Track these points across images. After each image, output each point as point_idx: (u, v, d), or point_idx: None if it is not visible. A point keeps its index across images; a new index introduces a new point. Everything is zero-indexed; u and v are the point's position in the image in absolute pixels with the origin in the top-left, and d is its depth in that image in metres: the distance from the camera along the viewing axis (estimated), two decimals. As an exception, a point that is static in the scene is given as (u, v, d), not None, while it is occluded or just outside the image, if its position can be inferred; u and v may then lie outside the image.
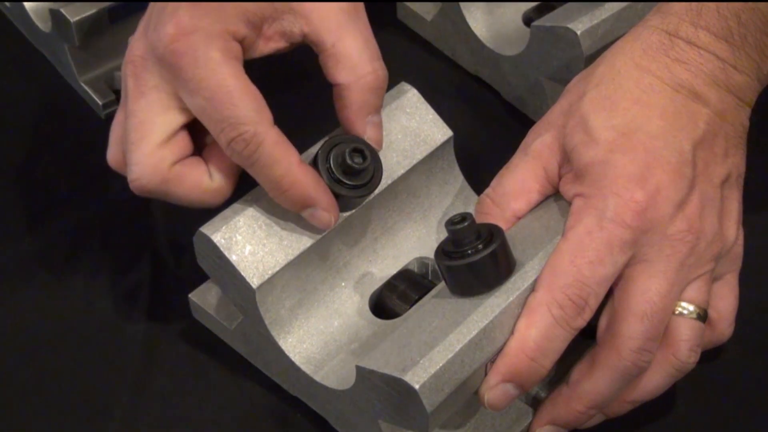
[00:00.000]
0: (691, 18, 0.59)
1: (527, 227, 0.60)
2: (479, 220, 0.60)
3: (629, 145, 0.57)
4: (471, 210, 0.63)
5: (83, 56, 0.77)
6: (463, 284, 0.56)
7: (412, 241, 0.66)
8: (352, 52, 0.59)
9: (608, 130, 0.57)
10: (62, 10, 0.74)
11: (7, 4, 0.83)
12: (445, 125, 0.65)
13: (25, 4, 0.80)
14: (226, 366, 0.66)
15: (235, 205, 0.60)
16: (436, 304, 0.58)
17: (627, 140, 0.57)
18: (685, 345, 0.58)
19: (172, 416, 0.64)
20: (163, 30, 0.56)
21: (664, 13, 0.60)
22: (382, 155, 0.62)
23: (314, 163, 0.59)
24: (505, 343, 0.56)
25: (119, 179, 0.61)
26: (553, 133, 0.60)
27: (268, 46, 0.60)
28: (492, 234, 0.56)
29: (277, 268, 0.59)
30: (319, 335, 0.62)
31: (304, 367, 0.61)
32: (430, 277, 0.65)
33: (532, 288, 0.56)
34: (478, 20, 0.80)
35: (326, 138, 0.60)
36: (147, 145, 0.58)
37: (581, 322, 0.56)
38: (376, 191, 0.61)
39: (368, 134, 0.60)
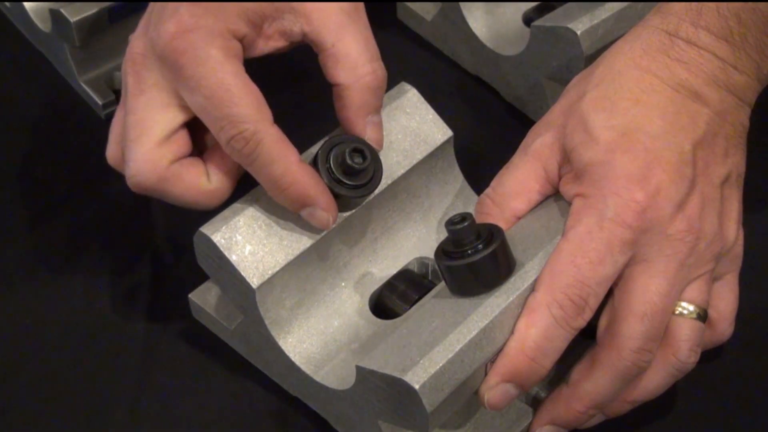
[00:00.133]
0: (691, 18, 0.59)
1: (527, 227, 0.60)
2: (479, 220, 0.60)
3: (629, 145, 0.57)
4: (471, 210, 0.63)
5: (83, 56, 0.77)
6: (463, 284, 0.56)
7: (412, 241, 0.66)
8: (351, 52, 0.59)
9: (608, 130, 0.57)
10: (62, 10, 0.74)
11: (7, 4, 0.83)
12: (445, 125, 0.65)
13: (25, 4, 0.80)
14: (226, 366, 0.66)
15: (235, 205, 0.60)
16: (436, 304, 0.58)
17: (627, 140, 0.57)
18: (685, 345, 0.58)
19: (172, 416, 0.64)
20: (164, 28, 0.56)
21: (664, 13, 0.60)
22: (382, 155, 0.62)
23: (314, 163, 0.59)
24: (505, 343, 0.56)
25: (119, 179, 0.61)
26: (553, 133, 0.60)
27: (268, 44, 0.60)
28: (492, 234, 0.56)
29: (277, 268, 0.59)
30: (319, 335, 0.62)
31: (304, 367, 0.60)
32: (430, 277, 0.65)
33: (532, 288, 0.56)
34: (478, 20, 0.80)
35: (326, 138, 0.60)
36: (145, 143, 0.58)
37: (581, 322, 0.56)
38: (376, 191, 0.61)
39: (368, 134, 0.60)
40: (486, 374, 0.56)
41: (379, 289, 0.64)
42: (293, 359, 0.61)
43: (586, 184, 0.57)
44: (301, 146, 0.61)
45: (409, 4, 0.84)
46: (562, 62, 0.72)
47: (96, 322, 0.67)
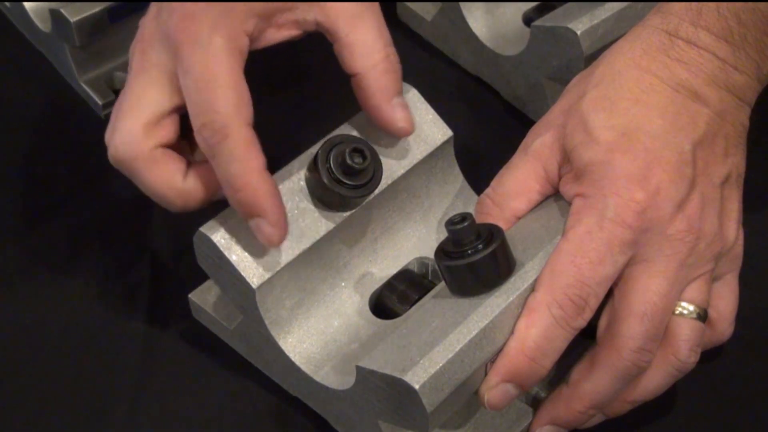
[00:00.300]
0: (691, 18, 0.59)
1: (527, 227, 0.60)
2: (479, 220, 0.60)
3: (629, 145, 0.57)
4: (471, 210, 0.63)
5: (83, 56, 0.77)
6: (463, 284, 0.56)
7: (412, 241, 0.66)
8: (365, 41, 0.59)
9: (608, 130, 0.57)
10: (62, 10, 0.74)
11: (7, 4, 0.83)
12: (445, 125, 0.65)
13: (25, 4, 0.79)
14: (226, 366, 0.66)
15: (235, 205, 0.60)
16: (436, 304, 0.58)
17: (627, 140, 0.57)
18: (685, 345, 0.58)
19: (172, 416, 0.64)
20: (175, 11, 0.57)
21: (664, 13, 0.60)
22: (382, 155, 0.62)
23: (314, 163, 0.59)
24: (505, 343, 0.56)
25: (119, 179, 0.61)
26: (553, 133, 0.60)
27: (280, 33, 0.60)
28: (492, 234, 0.56)
29: (277, 268, 0.59)
30: (319, 335, 0.62)
31: (304, 367, 0.60)
32: (430, 277, 0.65)
33: (532, 288, 0.56)
34: (478, 20, 0.80)
35: (326, 138, 0.60)
36: (135, 117, 0.58)
37: (581, 322, 0.56)
38: (376, 191, 0.61)
39: (397, 116, 0.60)
40: (486, 374, 0.56)
41: (379, 289, 0.64)
42: (293, 359, 0.61)
43: (586, 184, 0.57)
44: (301, 146, 0.61)
45: (409, 4, 0.84)
46: (562, 62, 0.72)
47: (96, 322, 0.67)
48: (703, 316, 0.59)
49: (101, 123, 0.78)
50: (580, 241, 0.56)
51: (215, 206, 0.60)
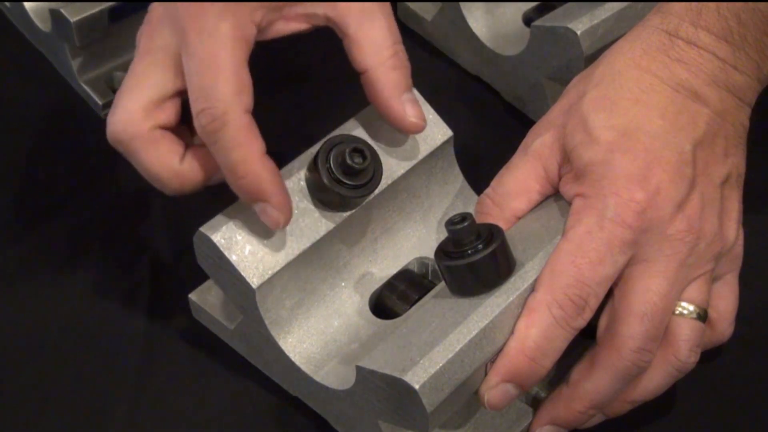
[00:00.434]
0: (691, 18, 0.59)
1: (527, 227, 0.60)
2: (479, 220, 0.60)
3: (629, 145, 0.57)
4: (471, 210, 0.63)
5: (83, 56, 0.77)
6: (463, 284, 0.56)
7: (412, 241, 0.66)
8: (374, 37, 0.59)
9: (608, 130, 0.57)
10: (62, 10, 0.74)
11: (7, 4, 0.83)
12: (445, 125, 0.65)
13: (25, 4, 0.79)
14: (226, 366, 0.66)
15: (236, 205, 0.60)
16: (436, 304, 0.58)
17: (627, 140, 0.57)
18: (685, 345, 0.58)
19: (172, 416, 0.64)
20: None
21: (664, 13, 0.60)
22: (382, 155, 0.62)
23: (314, 163, 0.59)
24: (505, 343, 0.56)
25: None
26: (553, 133, 0.60)
27: (288, 26, 0.60)
28: (492, 234, 0.56)
29: (277, 268, 0.59)
30: (319, 335, 0.62)
31: (304, 367, 0.60)
32: (430, 277, 0.65)
33: (532, 288, 0.56)
34: (478, 20, 0.80)
35: (326, 138, 0.60)
36: (136, 97, 0.58)
37: (581, 322, 0.56)
38: (376, 191, 0.61)
39: (408, 111, 0.60)
40: (486, 374, 0.56)
41: (379, 289, 0.64)
42: (293, 359, 0.61)
43: (586, 184, 0.57)
44: (301, 146, 0.61)
45: (409, 4, 0.84)
46: (562, 62, 0.72)
47: (96, 322, 0.67)
48: (703, 316, 0.59)
49: (101, 123, 0.77)
50: (580, 241, 0.56)
51: (215, 206, 0.60)
